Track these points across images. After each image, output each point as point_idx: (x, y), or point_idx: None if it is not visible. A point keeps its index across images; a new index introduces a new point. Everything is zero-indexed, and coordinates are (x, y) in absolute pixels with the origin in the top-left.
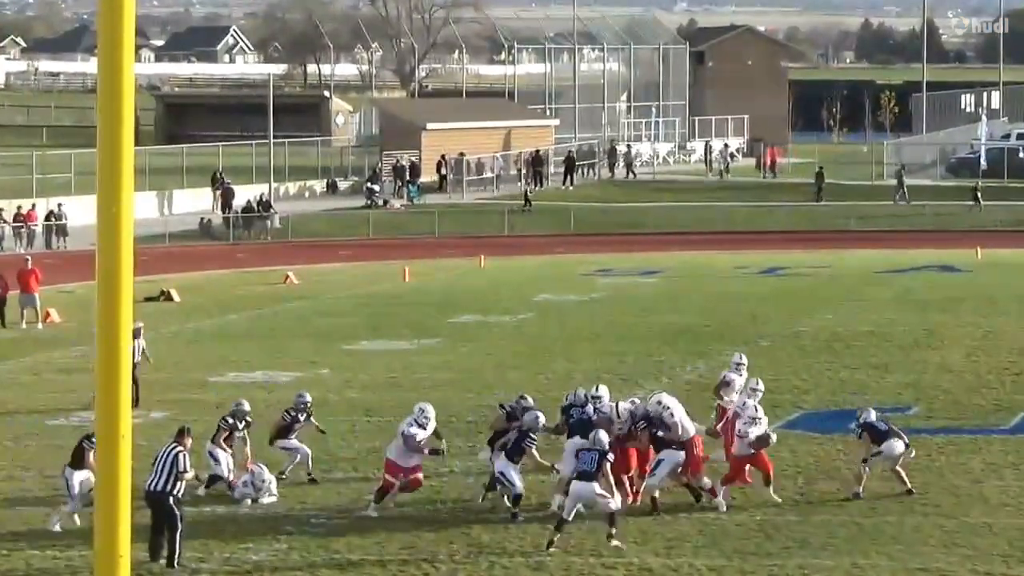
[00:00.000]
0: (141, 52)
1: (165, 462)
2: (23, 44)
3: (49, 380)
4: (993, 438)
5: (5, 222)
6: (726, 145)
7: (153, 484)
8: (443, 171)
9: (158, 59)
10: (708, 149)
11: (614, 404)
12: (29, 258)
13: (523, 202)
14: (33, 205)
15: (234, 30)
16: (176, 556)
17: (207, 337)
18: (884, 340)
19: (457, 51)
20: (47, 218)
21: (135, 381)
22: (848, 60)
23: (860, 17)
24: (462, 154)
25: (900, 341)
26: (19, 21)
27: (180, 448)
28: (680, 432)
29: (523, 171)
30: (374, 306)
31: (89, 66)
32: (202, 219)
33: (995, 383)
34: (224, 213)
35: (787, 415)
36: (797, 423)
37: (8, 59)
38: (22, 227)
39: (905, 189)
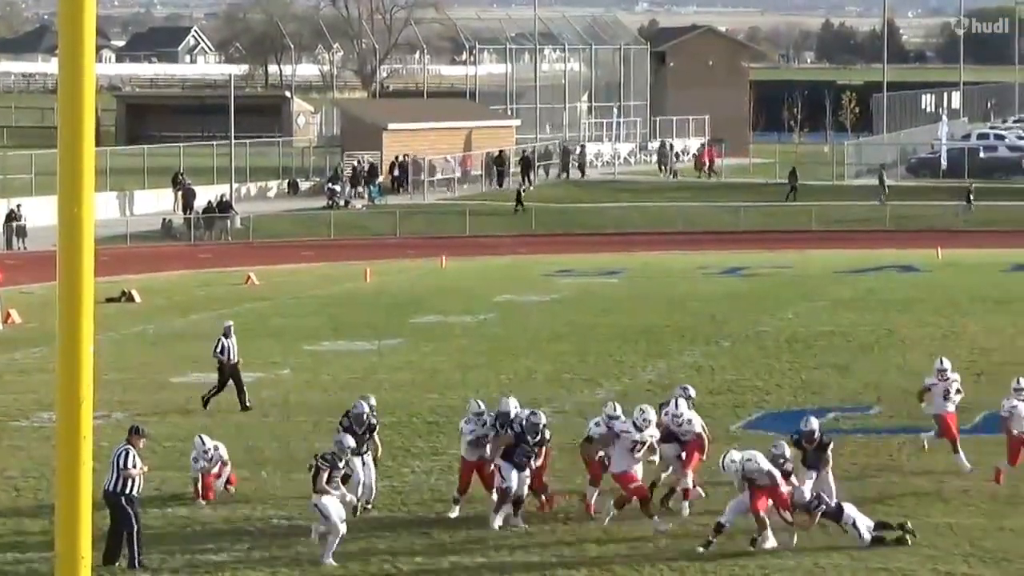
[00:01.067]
0: (102, 52)
1: (115, 462)
2: None
3: (10, 381)
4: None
5: None
6: (671, 146)
7: (106, 485)
8: (395, 172)
9: (119, 60)
10: (662, 149)
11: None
12: None
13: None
14: None
15: (195, 31)
16: (135, 557)
17: (169, 338)
18: (845, 340)
19: (418, 51)
20: (7, 219)
21: (238, 382)
22: (809, 60)
23: (821, 17)
24: (406, 155)
25: (861, 341)
26: None
27: (128, 447)
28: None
29: (483, 172)
30: (336, 307)
31: (50, 66)
32: (164, 219)
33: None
34: (185, 214)
35: (748, 415)
36: (759, 423)
37: None
38: None
39: (886, 188)
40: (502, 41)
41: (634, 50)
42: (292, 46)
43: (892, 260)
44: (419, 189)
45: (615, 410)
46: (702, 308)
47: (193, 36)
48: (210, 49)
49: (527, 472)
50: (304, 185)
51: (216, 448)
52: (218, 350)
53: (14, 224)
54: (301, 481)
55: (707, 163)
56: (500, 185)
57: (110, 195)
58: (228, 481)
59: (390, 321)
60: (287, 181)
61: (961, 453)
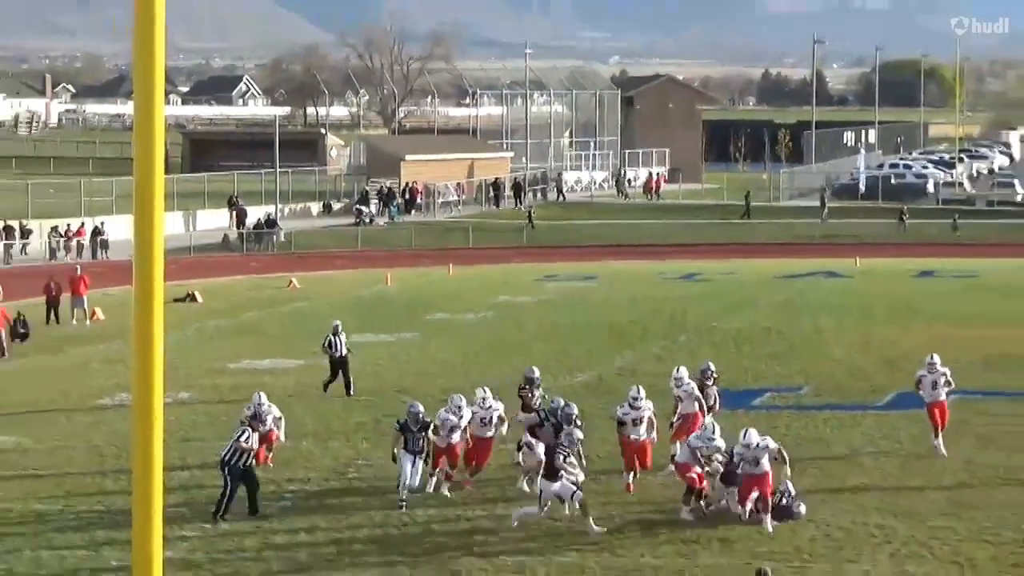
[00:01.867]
0: (170, 97)
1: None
2: (72, 90)
3: (96, 368)
4: (869, 414)
5: (60, 236)
6: (624, 173)
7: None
8: (405, 196)
9: (184, 102)
10: (618, 177)
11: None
12: (79, 267)
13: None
14: (82, 223)
15: (247, 79)
16: (255, 508)
17: (225, 332)
18: (780, 334)
19: (430, 96)
20: (93, 234)
21: (346, 372)
22: (751, 103)
23: (761, 68)
24: (414, 183)
25: (792, 335)
26: (69, 71)
27: (247, 428)
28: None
29: (490, 194)
30: (362, 306)
31: (127, 108)
32: (223, 235)
33: (870, 369)
34: (239, 229)
35: None
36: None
37: (60, 103)
38: (72, 241)
39: (826, 208)
40: (499, 87)
41: (607, 95)
42: (326, 92)
43: (819, 268)
44: (431, 209)
45: (638, 391)
46: (663, 308)
47: (245, 83)
48: (259, 94)
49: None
50: (336, 206)
51: (271, 407)
52: (325, 344)
53: (99, 238)
54: (336, 448)
55: (654, 188)
56: (497, 206)
57: (177, 214)
58: (269, 448)
59: (407, 318)
60: (322, 203)
61: (941, 439)
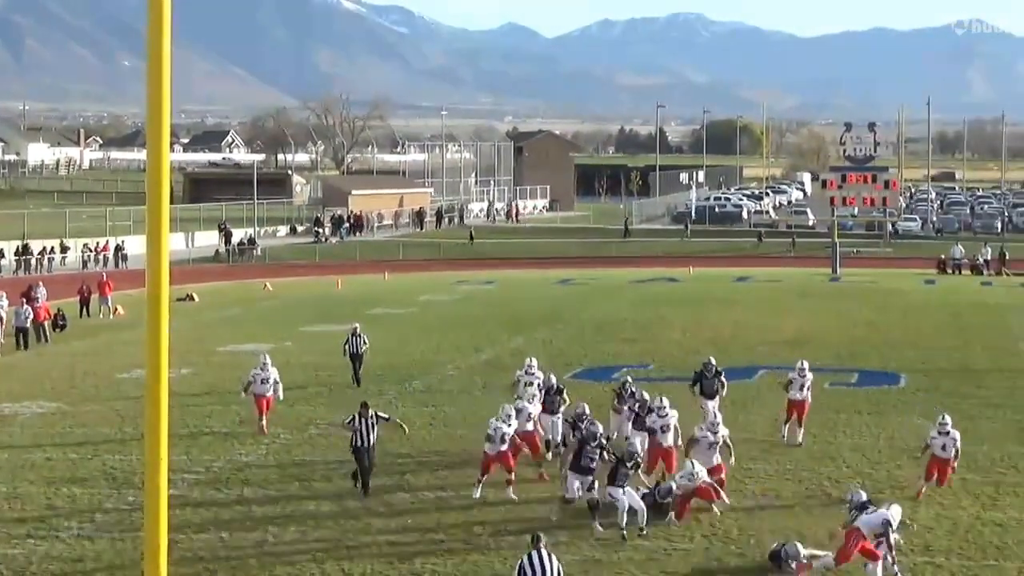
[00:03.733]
0: (173, 146)
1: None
2: (100, 141)
3: (118, 350)
4: None
5: (90, 251)
6: (492, 203)
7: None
8: (351, 221)
9: (185, 150)
10: (488, 207)
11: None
12: (104, 274)
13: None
14: (107, 241)
15: (232, 132)
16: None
17: (216, 323)
18: (632, 324)
19: (370, 146)
20: (115, 249)
21: (358, 369)
22: (611, 151)
23: (618, 125)
24: (358, 212)
25: (642, 324)
26: (98, 127)
27: (357, 414)
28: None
29: (410, 221)
30: (319, 303)
31: (141, 155)
32: (216, 251)
33: (700, 349)
34: (226, 246)
35: (574, 370)
36: (580, 375)
37: (91, 151)
38: (99, 255)
39: (688, 229)
40: (422, 139)
41: (503, 145)
42: (292, 142)
43: (661, 274)
44: (372, 231)
45: (662, 401)
46: (545, 304)
47: (231, 136)
48: (241, 144)
49: (590, 477)
50: (300, 228)
51: (273, 370)
52: (345, 344)
53: (120, 252)
54: (300, 409)
55: (515, 214)
56: (421, 228)
57: (179, 235)
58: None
59: (353, 312)
60: (289, 226)
61: (801, 429)
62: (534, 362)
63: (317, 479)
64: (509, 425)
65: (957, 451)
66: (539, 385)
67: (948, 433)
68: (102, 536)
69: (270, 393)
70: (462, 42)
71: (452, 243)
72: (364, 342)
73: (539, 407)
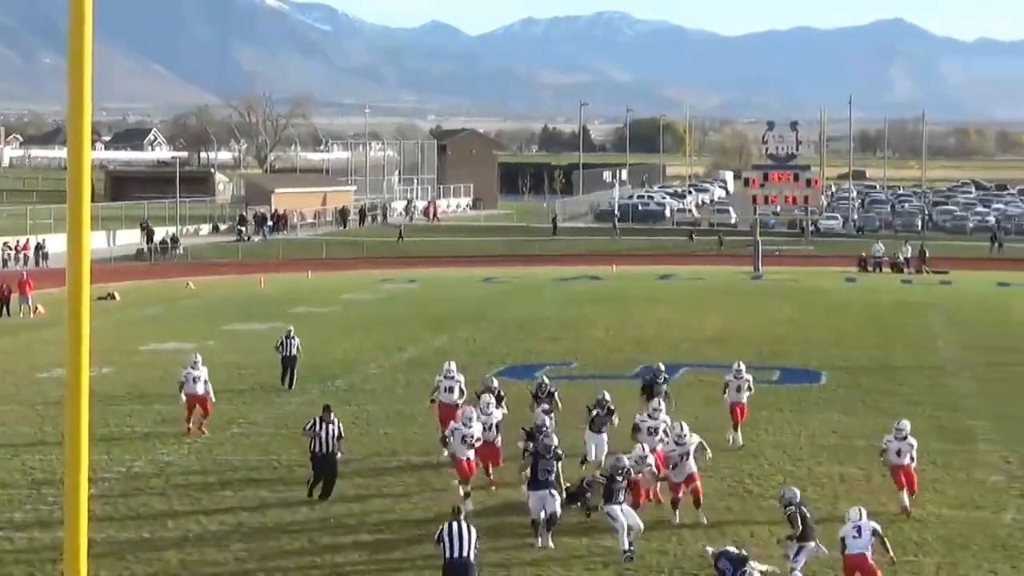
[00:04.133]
0: (95, 144)
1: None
2: (20, 139)
3: (38, 349)
4: (622, 381)
5: (10, 249)
6: (411, 201)
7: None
8: (275, 219)
9: (106, 148)
10: (407, 206)
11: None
12: (25, 272)
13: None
14: (27, 240)
15: (155, 130)
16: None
17: (137, 321)
18: (554, 322)
19: (293, 144)
20: (36, 248)
21: (293, 371)
22: (534, 150)
23: (542, 123)
24: (283, 210)
25: (564, 322)
26: (18, 125)
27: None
28: None
29: (334, 219)
30: (242, 302)
31: (62, 153)
32: (138, 249)
33: (623, 347)
34: (148, 244)
35: (496, 368)
36: (503, 372)
37: (11, 149)
38: (20, 253)
39: (617, 227)
40: (345, 138)
41: (426, 143)
42: (215, 140)
43: (584, 272)
44: (295, 229)
45: (682, 428)
46: (468, 303)
47: (153, 134)
48: (164, 142)
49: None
50: (223, 227)
51: (203, 370)
52: (276, 345)
53: (41, 251)
54: (224, 408)
55: (433, 213)
56: (344, 227)
57: (100, 233)
58: (205, 415)
59: (276, 311)
60: (212, 224)
61: (739, 433)
62: (453, 365)
63: (239, 478)
64: (469, 427)
65: (913, 457)
66: (460, 389)
67: (905, 439)
68: (21, 535)
69: (201, 391)
70: (385, 40)
71: (376, 241)
72: (297, 345)
73: (500, 415)
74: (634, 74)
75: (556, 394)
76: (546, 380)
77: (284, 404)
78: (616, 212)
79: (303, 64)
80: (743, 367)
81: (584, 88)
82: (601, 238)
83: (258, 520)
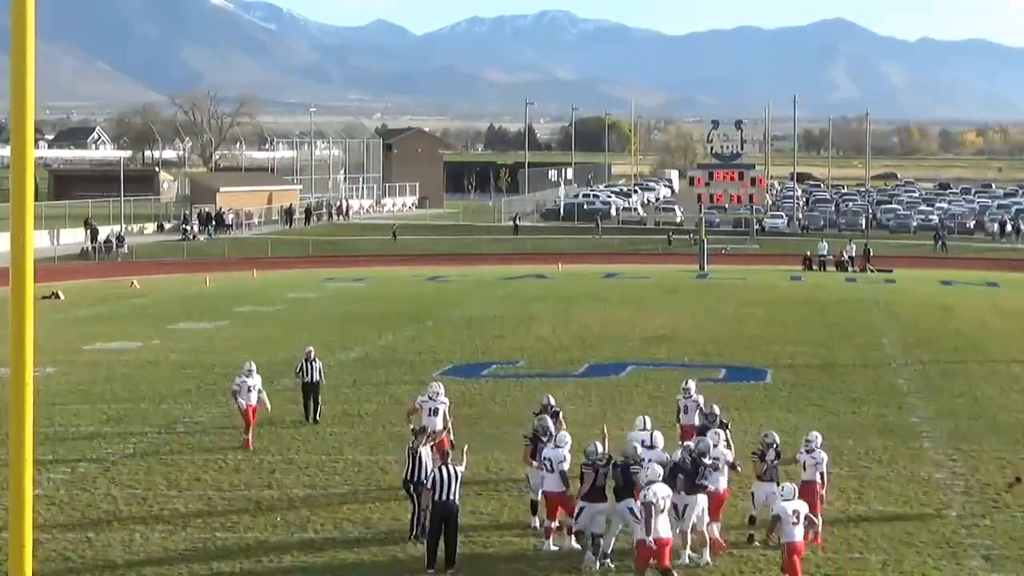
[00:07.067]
0: (38, 142)
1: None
2: None
3: None
4: (569, 379)
5: None
6: (346, 200)
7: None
8: (220, 218)
9: (50, 147)
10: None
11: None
12: None
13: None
14: None
15: (99, 129)
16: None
17: (81, 321)
18: (501, 320)
19: (238, 143)
20: None
21: (315, 398)
22: (480, 148)
23: (487, 122)
24: (226, 210)
25: (511, 321)
26: None
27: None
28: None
29: (279, 218)
30: (187, 301)
31: (5, 151)
32: (82, 248)
33: (570, 346)
34: (92, 243)
35: (443, 367)
36: (449, 371)
37: None
38: None
39: (600, 226)
40: (291, 137)
41: (372, 142)
42: (159, 139)
43: (531, 272)
44: (240, 228)
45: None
46: (415, 301)
47: (97, 132)
48: (108, 141)
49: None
50: (167, 225)
51: (257, 377)
52: (297, 369)
53: None
54: (166, 408)
55: (345, 211)
56: (289, 226)
57: (44, 232)
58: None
59: (222, 310)
60: (157, 223)
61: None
62: (440, 388)
63: (185, 477)
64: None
65: (823, 475)
66: (445, 414)
67: (812, 452)
68: None
69: (255, 401)
70: (331, 39)
71: (321, 240)
72: (320, 369)
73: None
74: (579, 73)
75: (561, 414)
76: (551, 400)
77: (229, 403)
78: (559, 210)
79: (248, 63)
80: (692, 386)
81: (529, 87)
82: (564, 237)
83: (204, 520)
